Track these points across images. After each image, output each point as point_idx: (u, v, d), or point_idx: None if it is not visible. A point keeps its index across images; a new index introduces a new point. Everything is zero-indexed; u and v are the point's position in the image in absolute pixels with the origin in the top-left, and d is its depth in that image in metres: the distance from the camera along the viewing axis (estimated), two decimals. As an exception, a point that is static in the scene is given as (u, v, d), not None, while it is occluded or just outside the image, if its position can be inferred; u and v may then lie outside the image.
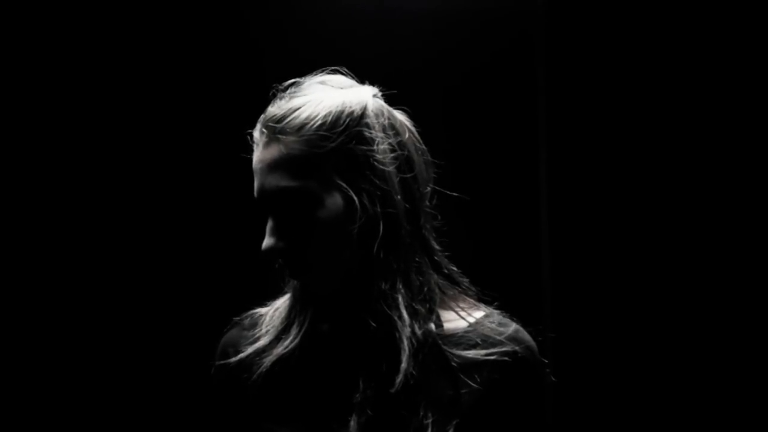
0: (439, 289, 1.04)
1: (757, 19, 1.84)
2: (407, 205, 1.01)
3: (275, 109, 1.00)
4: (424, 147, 1.07)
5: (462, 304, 1.05)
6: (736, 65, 1.85)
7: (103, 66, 1.88)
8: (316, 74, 1.06)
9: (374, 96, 1.04)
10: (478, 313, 1.05)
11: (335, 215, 0.97)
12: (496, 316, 1.06)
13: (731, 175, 1.86)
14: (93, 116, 1.88)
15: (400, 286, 0.98)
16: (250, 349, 1.06)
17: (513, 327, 1.04)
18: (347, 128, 0.98)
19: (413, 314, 0.98)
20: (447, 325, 1.02)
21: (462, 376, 0.98)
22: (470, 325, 1.03)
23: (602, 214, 1.90)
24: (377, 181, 0.98)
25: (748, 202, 1.85)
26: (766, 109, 1.84)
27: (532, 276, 1.91)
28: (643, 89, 1.89)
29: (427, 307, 1.00)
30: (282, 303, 1.09)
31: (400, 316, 0.97)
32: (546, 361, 1.06)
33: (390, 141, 1.01)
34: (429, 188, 1.07)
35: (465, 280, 1.08)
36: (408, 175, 1.01)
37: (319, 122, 0.97)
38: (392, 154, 1.00)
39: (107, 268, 1.87)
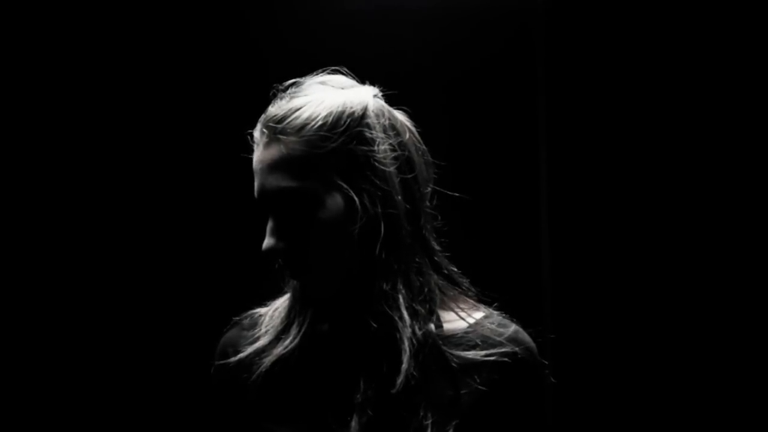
0: (439, 289, 1.04)
1: (757, 19, 1.84)
2: (408, 206, 1.00)
3: (276, 109, 1.00)
4: (424, 147, 1.07)
5: (462, 305, 1.05)
6: (736, 64, 1.85)
7: (103, 66, 1.88)
8: (316, 74, 1.06)
9: (375, 96, 1.04)
10: (478, 314, 1.05)
11: (336, 216, 0.97)
12: (496, 316, 1.06)
13: (731, 174, 1.85)
14: (94, 116, 1.88)
15: (401, 287, 0.98)
16: (249, 349, 1.06)
17: (512, 328, 1.04)
18: (348, 129, 0.98)
19: (414, 315, 0.98)
20: (447, 326, 1.02)
21: (462, 376, 0.98)
22: (470, 325, 1.03)
23: (602, 214, 1.90)
24: (378, 182, 0.98)
25: (748, 201, 1.84)
26: (766, 109, 1.84)
27: (532, 276, 1.91)
28: (643, 88, 1.89)
29: (427, 308, 1.00)
30: (282, 303, 1.09)
31: (401, 317, 0.97)
32: (545, 362, 1.06)
33: (390, 141, 1.00)
34: (429, 188, 1.06)
35: (465, 281, 1.08)
36: (408, 176, 1.01)
37: (320, 123, 0.97)
38: (393, 155, 1.00)
39: (107, 268, 1.87)
